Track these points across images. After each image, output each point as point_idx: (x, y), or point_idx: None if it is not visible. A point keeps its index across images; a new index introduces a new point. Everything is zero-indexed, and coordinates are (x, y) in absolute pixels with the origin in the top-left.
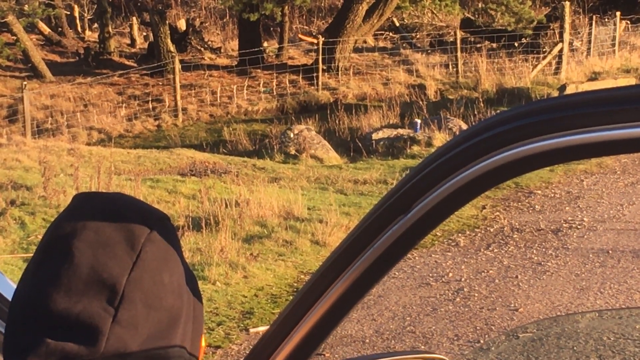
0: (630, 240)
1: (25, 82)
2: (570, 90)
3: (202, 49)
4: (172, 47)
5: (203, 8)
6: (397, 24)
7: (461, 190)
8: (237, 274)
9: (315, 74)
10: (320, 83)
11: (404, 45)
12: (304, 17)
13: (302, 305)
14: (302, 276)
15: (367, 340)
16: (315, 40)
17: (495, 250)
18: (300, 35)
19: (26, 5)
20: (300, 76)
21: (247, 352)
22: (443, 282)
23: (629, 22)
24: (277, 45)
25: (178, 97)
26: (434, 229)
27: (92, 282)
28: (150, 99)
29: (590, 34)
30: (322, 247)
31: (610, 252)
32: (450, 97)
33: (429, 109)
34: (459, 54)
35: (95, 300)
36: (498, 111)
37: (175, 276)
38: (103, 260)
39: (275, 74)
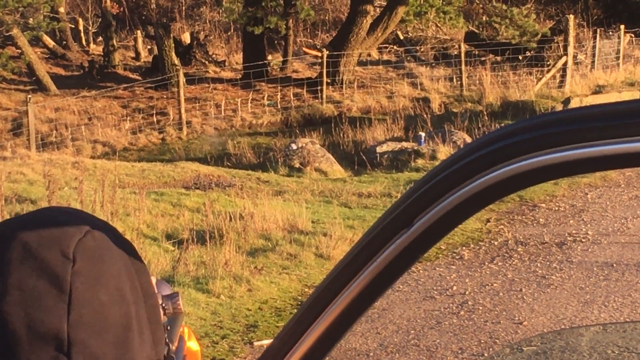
0: (635, 253)
1: (29, 96)
2: (574, 103)
3: (207, 62)
4: (176, 61)
5: (207, 21)
6: (402, 37)
7: (465, 203)
8: (241, 287)
9: (319, 87)
10: (324, 96)
11: (408, 58)
12: (308, 30)
13: (306, 318)
14: (306, 289)
15: (372, 354)
16: (319, 54)
17: (500, 263)
18: (304, 49)
19: (31, 19)
20: (305, 89)
21: None
22: (447, 296)
23: (633, 35)
24: (281, 59)
25: (182, 110)
26: (438, 242)
27: (35, 340)
28: (154, 112)
29: (594, 47)
30: (326, 260)
31: (614, 265)
32: (455, 110)
33: (433, 122)
34: (463, 67)
35: (44, 354)
36: (502, 124)
37: (113, 286)
38: (37, 317)
39: (279, 87)
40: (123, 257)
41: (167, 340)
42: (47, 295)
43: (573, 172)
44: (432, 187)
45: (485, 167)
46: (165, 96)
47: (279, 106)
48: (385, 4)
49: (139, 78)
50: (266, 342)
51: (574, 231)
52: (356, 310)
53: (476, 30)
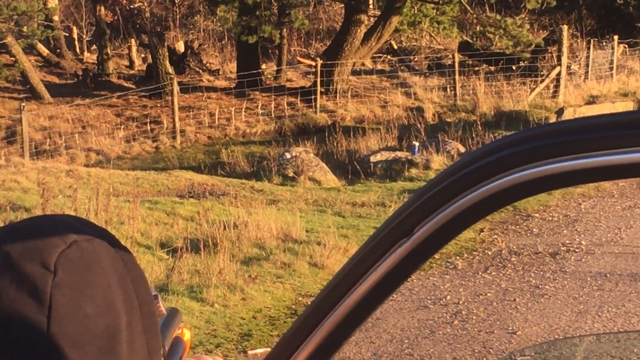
0: (628, 263)
1: (23, 104)
2: (568, 113)
3: (201, 70)
4: (170, 69)
5: (201, 30)
6: (395, 47)
7: (464, 213)
8: (235, 295)
9: (313, 97)
10: (318, 105)
11: (402, 68)
12: (302, 39)
13: (305, 328)
14: (300, 298)
15: None
16: (313, 63)
17: (493, 273)
18: (298, 58)
19: (25, 27)
20: (299, 98)
21: None
22: (441, 305)
23: (626, 45)
24: (275, 68)
25: (176, 119)
26: (436, 252)
27: (15, 353)
28: (148, 120)
29: (588, 57)
30: (320, 269)
31: (608, 275)
32: (448, 120)
33: (427, 132)
34: (457, 77)
35: None
36: (497, 134)
37: (100, 296)
38: (17, 329)
39: (273, 96)
40: (117, 266)
41: None
42: (27, 308)
43: (572, 182)
44: (432, 197)
45: (485, 177)
46: (159, 105)
47: (273, 115)
48: (379, 13)
49: (133, 86)
50: (260, 350)
51: (567, 241)
52: (356, 319)
53: (470, 40)
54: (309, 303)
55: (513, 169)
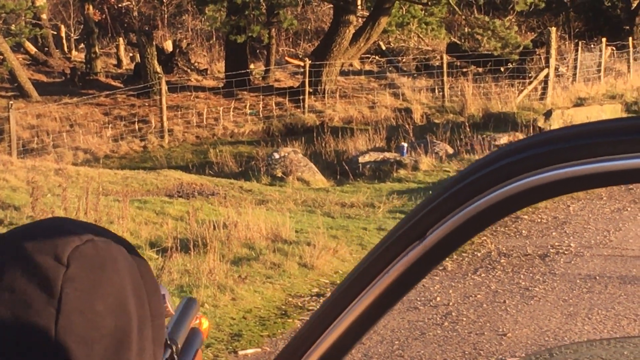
0: (617, 266)
1: (11, 102)
2: (556, 115)
3: (189, 70)
4: (158, 68)
5: (190, 29)
6: (384, 48)
7: (478, 216)
8: (225, 296)
9: (301, 97)
10: (306, 106)
11: (390, 68)
12: (291, 39)
13: (315, 329)
14: (290, 299)
15: None
16: (301, 63)
17: (483, 274)
18: (286, 58)
19: (13, 25)
20: (287, 98)
21: None
22: (431, 306)
23: (614, 48)
24: (263, 68)
25: (164, 118)
26: (448, 256)
27: (22, 343)
28: (136, 119)
29: (576, 59)
30: (310, 270)
31: (597, 277)
32: (437, 121)
33: (415, 133)
34: (445, 78)
35: (29, 358)
36: (485, 135)
37: (112, 296)
38: (26, 319)
39: (261, 96)
40: (132, 273)
41: (168, 342)
42: (36, 299)
43: (584, 186)
44: (445, 200)
45: (499, 181)
46: (147, 104)
47: (261, 115)
48: (367, 14)
49: (121, 85)
50: (250, 351)
51: (556, 243)
52: (367, 322)
53: (458, 42)
54: (320, 304)
55: (526, 173)
